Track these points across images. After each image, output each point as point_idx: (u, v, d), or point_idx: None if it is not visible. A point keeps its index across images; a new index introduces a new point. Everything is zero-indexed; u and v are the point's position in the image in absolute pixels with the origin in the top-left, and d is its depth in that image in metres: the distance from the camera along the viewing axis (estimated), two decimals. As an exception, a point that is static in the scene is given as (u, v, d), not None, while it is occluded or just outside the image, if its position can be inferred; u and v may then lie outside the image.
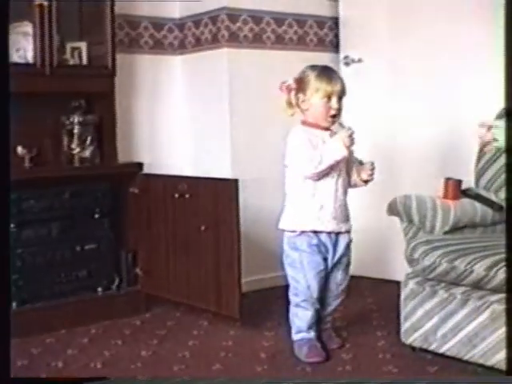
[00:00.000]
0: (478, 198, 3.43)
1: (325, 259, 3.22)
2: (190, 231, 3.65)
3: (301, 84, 3.20)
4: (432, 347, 3.10)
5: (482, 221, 3.39)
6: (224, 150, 4.29)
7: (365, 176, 3.23)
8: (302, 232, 3.19)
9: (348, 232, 3.26)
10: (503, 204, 3.46)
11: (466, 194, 3.44)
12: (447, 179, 3.42)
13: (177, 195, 3.71)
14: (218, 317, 3.62)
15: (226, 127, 4.28)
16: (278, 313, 3.74)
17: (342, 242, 3.25)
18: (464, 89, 4.04)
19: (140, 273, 3.94)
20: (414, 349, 3.19)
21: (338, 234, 3.22)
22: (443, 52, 4.15)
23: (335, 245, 3.23)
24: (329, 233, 3.19)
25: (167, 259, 3.84)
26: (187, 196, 3.67)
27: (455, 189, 3.40)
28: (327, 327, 3.38)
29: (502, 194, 3.52)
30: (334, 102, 3.14)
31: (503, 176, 3.54)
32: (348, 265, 3.32)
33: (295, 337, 3.25)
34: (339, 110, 3.17)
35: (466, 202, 3.39)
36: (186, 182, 3.73)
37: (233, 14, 4.28)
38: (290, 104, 3.22)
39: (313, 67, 3.24)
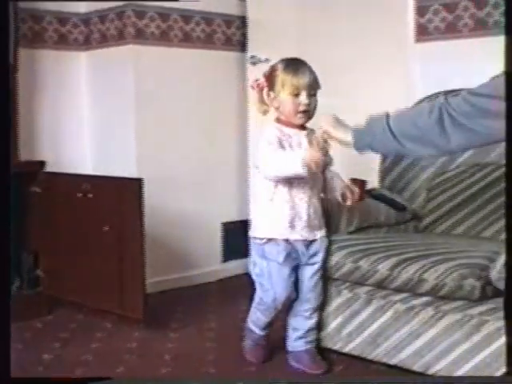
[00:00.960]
0: (382, 198, 3.47)
1: (296, 268, 3.04)
2: (94, 231, 3.59)
3: (269, 80, 2.99)
4: (337, 346, 3.13)
5: (385, 221, 3.44)
6: (129, 148, 4.23)
7: (348, 201, 3.07)
8: (271, 240, 2.99)
9: (323, 238, 3.06)
10: (407, 204, 3.51)
11: (370, 194, 3.47)
12: (352, 180, 3.44)
13: (80, 194, 3.63)
14: (122, 318, 3.57)
15: (132, 125, 4.22)
16: (183, 314, 3.72)
17: (316, 249, 3.03)
18: (370, 89, 4.08)
19: (42, 274, 3.85)
20: (319, 348, 3.20)
21: (312, 241, 3.02)
22: (350, 52, 4.18)
23: (309, 253, 3.02)
24: (303, 240, 3.00)
25: (70, 260, 3.76)
26: (90, 195, 3.60)
27: (360, 189, 3.42)
28: (309, 348, 3.10)
29: (406, 194, 3.57)
30: (302, 97, 2.92)
31: (407, 176, 3.60)
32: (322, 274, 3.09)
33: (248, 323, 3.21)
34: (309, 105, 2.95)
35: (370, 202, 3.42)
36: (89, 181, 3.67)
37: (139, 11, 4.22)
38: (262, 102, 3.03)
39: (282, 60, 3.02)
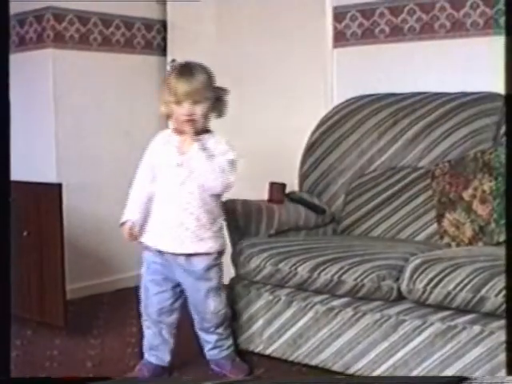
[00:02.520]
0: (301, 201, 3.51)
1: (174, 283, 2.96)
2: (12, 237, 3.53)
3: (166, 84, 2.89)
4: (258, 349, 3.15)
5: (305, 224, 3.47)
6: (49, 153, 4.18)
7: None
8: (146, 246, 2.95)
9: (207, 254, 2.88)
10: (325, 207, 3.55)
11: (290, 197, 3.51)
12: (272, 183, 3.48)
13: (-2, 200, 3.58)
14: (43, 325, 3.52)
15: (51, 129, 4.17)
16: (105, 320, 3.70)
17: (197, 265, 2.88)
18: (288, 95, 4.11)
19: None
20: (240, 351, 3.21)
21: (189, 255, 2.87)
22: (269, 58, 4.22)
23: (187, 268, 2.89)
24: (173, 253, 2.87)
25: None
26: (9, 199, 3.54)
27: (280, 192, 3.46)
28: (225, 354, 3.05)
29: (325, 198, 3.62)
30: (185, 105, 2.78)
31: (326, 180, 3.65)
32: (217, 289, 2.95)
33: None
34: (194, 114, 2.80)
35: (290, 205, 3.46)
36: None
37: (59, 14, 4.18)
38: (163, 105, 2.90)
39: (175, 66, 2.99)
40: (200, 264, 2.88)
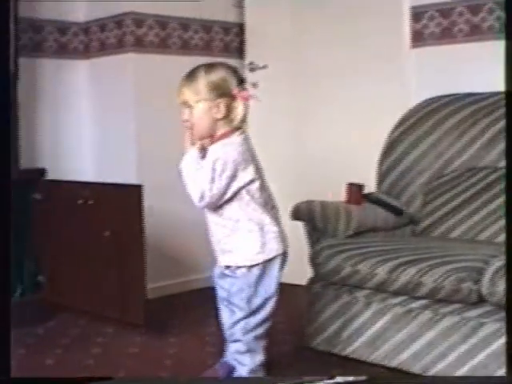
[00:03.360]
0: (379, 202, 3.49)
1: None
2: (94, 238, 3.61)
3: None
4: (336, 350, 3.15)
5: (383, 225, 3.45)
6: (129, 155, 4.26)
7: None
8: None
9: (228, 267, 2.76)
10: (404, 208, 3.53)
11: (368, 198, 3.50)
12: (350, 184, 3.47)
13: (80, 201, 3.66)
14: (123, 324, 3.59)
15: (132, 133, 4.25)
16: (183, 319, 3.74)
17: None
18: (365, 95, 4.10)
19: (43, 280, 3.88)
20: (318, 352, 3.22)
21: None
22: (346, 59, 4.21)
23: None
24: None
25: (71, 266, 3.79)
26: (91, 202, 3.63)
27: (357, 194, 3.45)
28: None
29: (403, 199, 3.59)
30: (183, 111, 2.67)
31: (404, 181, 3.62)
32: (236, 305, 2.74)
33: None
34: (187, 120, 2.67)
35: (368, 206, 3.45)
36: (89, 187, 3.70)
37: (138, 19, 4.26)
38: None
39: None
40: (217, 270, 2.86)
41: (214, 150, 2.63)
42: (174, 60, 4.36)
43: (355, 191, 3.45)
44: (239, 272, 2.71)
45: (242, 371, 2.77)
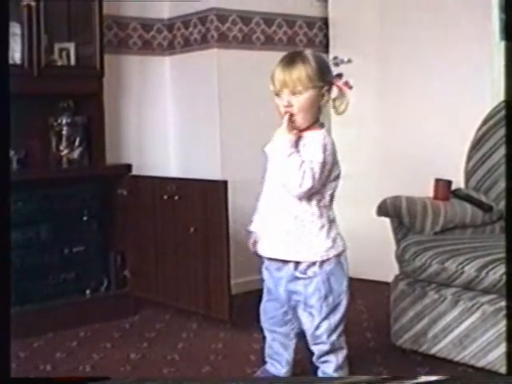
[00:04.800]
0: (467, 198, 3.43)
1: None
2: (179, 233, 3.63)
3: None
4: (422, 349, 3.11)
5: (471, 221, 3.39)
6: (213, 151, 4.27)
7: None
8: None
9: (292, 262, 2.64)
10: (493, 204, 3.46)
11: (455, 194, 3.44)
12: (437, 180, 3.42)
13: (166, 197, 3.69)
14: (208, 319, 3.60)
15: (216, 128, 4.26)
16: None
17: (285, 273, 2.68)
18: (453, 89, 4.04)
19: (129, 275, 3.92)
20: (404, 350, 3.18)
21: (281, 261, 2.67)
22: (432, 53, 4.15)
23: (276, 275, 2.73)
24: (269, 258, 2.73)
25: (156, 261, 3.82)
26: (176, 197, 3.65)
27: (445, 190, 3.40)
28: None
29: (492, 195, 3.52)
30: (284, 95, 2.55)
31: (493, 176, 3.54)
32: (306, 306, 2.67)
33: None
34: (290, 106, 2.54)
35: (456, 202, 3.39)
36: (174, 183, 3.71)
37: (222, 15, 4.27)
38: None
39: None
40: (285, 272, 2.65)
41: (318, 138, 2.54)
42: (257, 55, 4.35)
43: (443, 187, 3.39)
44: (310, 271, 2.61)
45: (329, 370, 2.71)
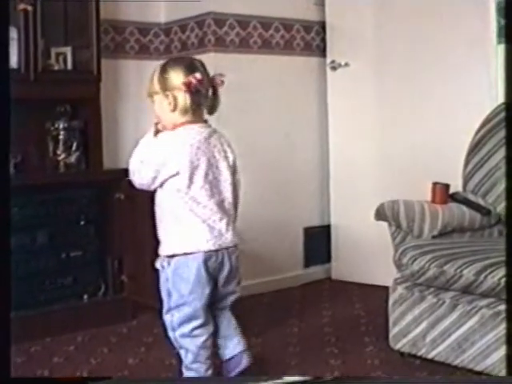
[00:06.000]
0: (465, 202, 3.42)
1: None
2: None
3: None
4: (421, 352, 3.09)
5: (470, 225, 3.38)
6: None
7: None
8: None
9: None
10: (491, 208, 3.45)
11: (453, 198, 3.44)
12: (435, 184, 3.41)
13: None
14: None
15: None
16: (266, 319, 3.73)
17: None
18: (451, 93, 4.04)
19: (126, 280, 3.91)
20: (402, 354, 3.17)
21: None
22: (430, 56, 4.16)
23: None
24: None
25: (153, 266, 3.79)
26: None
27: (443, 193, 3.39)
28: None
29: (490, 198, 3.51)
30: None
31: (491, 180, 3.54)
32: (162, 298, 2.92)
33: None
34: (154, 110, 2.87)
35: (454, 206, 3.38)
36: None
37: (219, 19, 4.26)
38: None
39: None
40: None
41: (159, 137, 2.78)
42: (255, 59, 4.35)
43: (440, 190, 3.38)
44: (164, 263, 2.81)
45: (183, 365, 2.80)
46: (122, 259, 3.91)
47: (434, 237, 3.25)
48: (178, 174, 2.69)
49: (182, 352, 2.79)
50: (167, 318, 2.80)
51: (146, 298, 3.87)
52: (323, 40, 4.66)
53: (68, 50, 3.87)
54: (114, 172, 3.99)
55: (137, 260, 3.89)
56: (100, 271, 3.87)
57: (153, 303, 3.84)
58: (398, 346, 3.17)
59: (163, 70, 2.77)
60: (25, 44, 3.59)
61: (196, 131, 2.74)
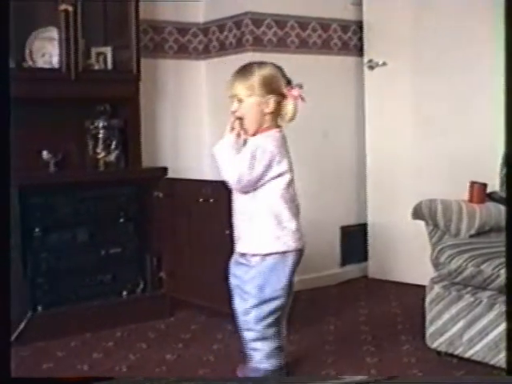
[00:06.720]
0: (503, 201, 3.40)
1: None
2: (215, 235, 3.65)
3: None
4: (458, 352, 3.09)
5: (507, 224, 3.36)
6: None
7: None
8: None
9: (244, 255, 2.92)
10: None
11: (491, 197, 3.43)
12: (472, 183, 3.40)
13: (201, 199, 3.71)
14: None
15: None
16: (303, 317, 3.74)
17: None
18: (490, 92, 4.01)
19: (164, 276, 3.95)
20: (439, 353, 3.17)
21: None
22: (469, 55, 4.13)
23: None
24: None
25: (192, 263, 3.85)
26: (211, 200, 3.67)
27: (481, 192, 3.38)
28: None
29: (529, 198, 3.49)
30: (233, 104, 2.83)
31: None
32: (248, 293, 2.89)
33: None
34: (236, 111, 2.82)
35: (491, 205, 3.37)
36: (210, 186, 3.73)
37: (257, 19, 4.29)
38: None
39: None
40: (233, 258, 2.99)
41: (256, 140, 2.80)
42: (292, 59, 4.37)
43: (478, 190, 3.37)
44: (253, 261, 2.84)
45: (258, 356, 2.89)
46: (160, 256, 3.95)
47: (471, 236, 3.24)
48: (283, 173, 2.80)
49: (260, 343, 2.87)
50: (252, 312, 2.85)
51: (184, 294, 3.92)
52: (360, 39, 4.66)
53: (108, 50, 3.91)
54: (152, 170, 4.03)
55: (175, 257, 3.93)
56: (139, 268, 3.91)
57: (191, 300, 3.90)
58: (434, 345, 3.17)
59: (265, 74, 2.81)
60: (65, 44, 3.63)
61: (284, 134, 2.86)
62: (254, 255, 2.85)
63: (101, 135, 3.90)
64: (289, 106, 2.82)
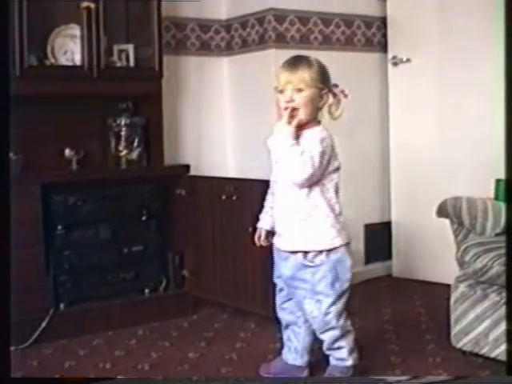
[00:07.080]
0: (530, 199, 3.37)
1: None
2: (237, 233, 3.64)
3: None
4: (483, 351, 3.05)
5: (534, 222, 3.33)
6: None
7: None
8: None
9: (300, 252, 2.85)
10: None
11: (517, 195, 3.39)
12: (498, 180, 3.37)
13: (224, 197, 3.70)
14: (266, 319, 3.59)
15: (273, 129, 4.25)
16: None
17: (291, 262, 2.90)
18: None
19: (187, 274, 3.94)
20: (464, 353, 3.14)
21: (288, 252, 2.91)
22: (494, 52, 4.08)
23: (284, 264, 2.95)
24: (278, 250, 2.97)
25: (214, 261, 3.84)
26: (234, 198, 3.66)
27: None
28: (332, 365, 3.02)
29: (556, 195, 3.45)
30: (287, 92, 2.76)
31: (556, 177, 3.48)
32: (313, 293, 2.87)
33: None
34: (292, 101, 2.75)
35: (517, 203, 3.33)
36: (232, 183, 3.72)
37: (280, 15, 4.26)
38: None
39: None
40: (293, 262, 2.87)
41: (316, 132, 2.78)
42: (315, 55, 4.31)
43: (504, 187, 3.34)
44: (318, 260, 2.82)
45: (343, 355, 2.92)
46: (183, 254, 3.95)
47: (497, 234, 3.20)
48: (339, 167, 2.83)
49: (344, 341, 2.92)
50: (332, 310, 2.86)
51: (207, 292, 3.90)
52: (384, 36, 4.63)
53: (130, 47, 3.90)
54: (175, 168, 4.02)
55: (198, 255, 3.92)
56: (161, 266, 3.90)
57: (214, 298, 3.88)
58: (459, 345, 3.14)
59: (322, 66, 2.85)
60: (88, 41, 3.63)
61: None
62: (319, 252, 2.81)
63: (123, 133, 3.89)
64: (340, 104, 2.84)
